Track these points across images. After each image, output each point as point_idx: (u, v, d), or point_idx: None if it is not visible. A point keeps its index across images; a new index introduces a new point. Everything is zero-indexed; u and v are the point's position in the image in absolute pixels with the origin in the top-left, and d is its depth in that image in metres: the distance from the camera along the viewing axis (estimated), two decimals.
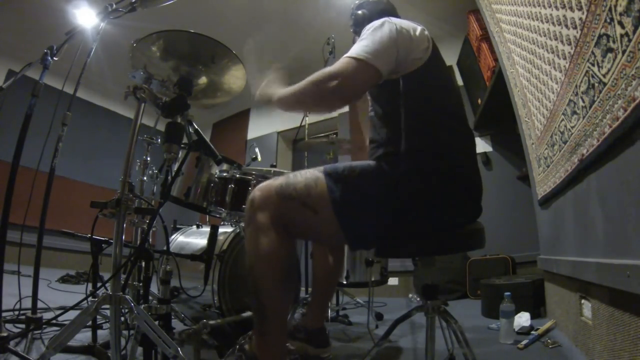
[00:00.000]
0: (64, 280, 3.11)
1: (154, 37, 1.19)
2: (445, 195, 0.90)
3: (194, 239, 1.78)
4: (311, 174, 0.93)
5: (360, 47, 0.89)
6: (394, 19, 0.97)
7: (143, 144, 1.72)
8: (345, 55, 0.90)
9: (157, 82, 1.23)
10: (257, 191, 0.94)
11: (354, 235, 0.92)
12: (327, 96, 0.88)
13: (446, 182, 0.90)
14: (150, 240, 1.24)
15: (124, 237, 1.03)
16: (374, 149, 1.00)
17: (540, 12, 1.36)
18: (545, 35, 1.37)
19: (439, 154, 0.91)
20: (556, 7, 1.19)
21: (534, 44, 1.55)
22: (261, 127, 5.28)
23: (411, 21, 1.01)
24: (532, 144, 1.99)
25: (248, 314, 1.49)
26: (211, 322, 1.27)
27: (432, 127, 0.94)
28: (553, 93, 1.41)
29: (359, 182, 0.90)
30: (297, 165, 5.05)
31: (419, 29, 0.98)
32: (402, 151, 0.91)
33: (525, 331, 1.67)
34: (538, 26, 1.43)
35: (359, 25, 1.18)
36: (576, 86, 1.14)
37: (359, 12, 1.19)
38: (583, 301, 1.31)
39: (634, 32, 0.74)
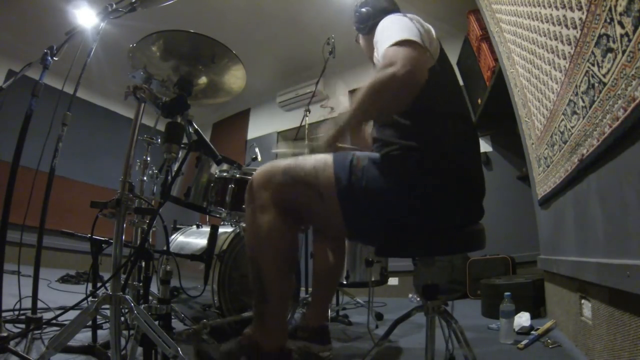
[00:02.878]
0: (64, 280, 3.11)
1: (154, 37, 1.19)
2: (449, 195, 0.90)
3: (194, 239, 1.78)
4: (321, 157, 0.93)
5: (393, 35, 0.85)
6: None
7: (143, 144, 1.71)
8: (385, 48, 0.85)
9: (157, 82, 1.23)
10: (261, 170, 0.94)
11: (354, 225, 0.92)
12: (389, 82, 0.80)
13: (450, 182, 0.89)
14: (150, 240, 1.24)
15: (124, 237, 1.03)
16: (378, 148, 0.99)
17: (540, 12, 1.36)
18: (545, 35, 1.37)
19: (443, 154, 0.91)
20: (556, 7, 1.19)
21: (534, 44, 1.54)
22: (261, 127, 5.28)
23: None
24: (532, 144, 1.99)
25: (248, 313, 1.49)
26: (211, 322, 1.27)
27: (437, 127, 0.94)
28: (553, 93, 1.41)
29: (365, 173, 0.90)
30: None
31: (429, 26, 0.99)
32: (406, 150, 0.90)
33: (525, 331, 1.67)
34: (538, 26, 1.43)
35: (362, 22, 1.19)
36: (576, 86, 1.14)
37: (363, 9, 1.19)
38: (583, 301, 1.31)
39: (634, 32, 0.74)
